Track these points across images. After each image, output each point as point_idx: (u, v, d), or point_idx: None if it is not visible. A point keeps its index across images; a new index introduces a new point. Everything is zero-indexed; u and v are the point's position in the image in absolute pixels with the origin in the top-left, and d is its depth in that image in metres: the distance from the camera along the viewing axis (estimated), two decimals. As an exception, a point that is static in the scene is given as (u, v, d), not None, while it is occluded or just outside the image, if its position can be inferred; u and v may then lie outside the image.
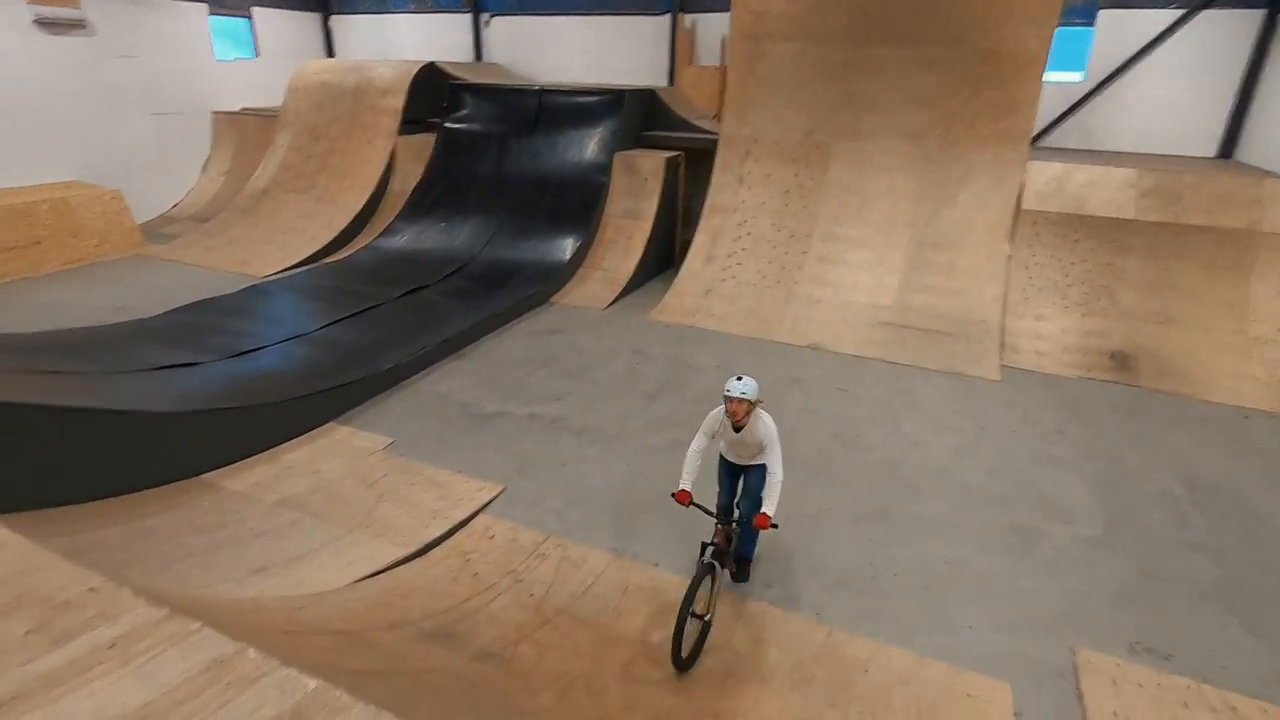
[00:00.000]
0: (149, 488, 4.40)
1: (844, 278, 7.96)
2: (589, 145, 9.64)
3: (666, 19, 12.20)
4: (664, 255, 9.52)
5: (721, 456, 3.89)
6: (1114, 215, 7.47)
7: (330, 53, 15.08)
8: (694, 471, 3.59)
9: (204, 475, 4.61)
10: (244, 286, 8.21)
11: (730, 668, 3.38)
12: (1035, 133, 9.04)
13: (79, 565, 1.82)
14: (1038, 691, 3.33)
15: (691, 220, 9.23)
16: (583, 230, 9.11)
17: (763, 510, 3.41)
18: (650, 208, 9.10)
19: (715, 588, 3.57)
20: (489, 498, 4.50)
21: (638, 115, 9.91)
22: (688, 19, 12.09)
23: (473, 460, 5.08)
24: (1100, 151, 9.86)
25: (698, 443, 3.64)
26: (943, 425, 5.83)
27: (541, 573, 3.79)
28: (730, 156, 8.93)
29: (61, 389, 4.69)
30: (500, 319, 7.65)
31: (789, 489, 5.06)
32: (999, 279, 7.54)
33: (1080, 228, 7.58)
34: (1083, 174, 7.75)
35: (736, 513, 3.77)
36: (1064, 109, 10.16)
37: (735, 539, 3.79)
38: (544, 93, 10.14)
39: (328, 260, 9.49)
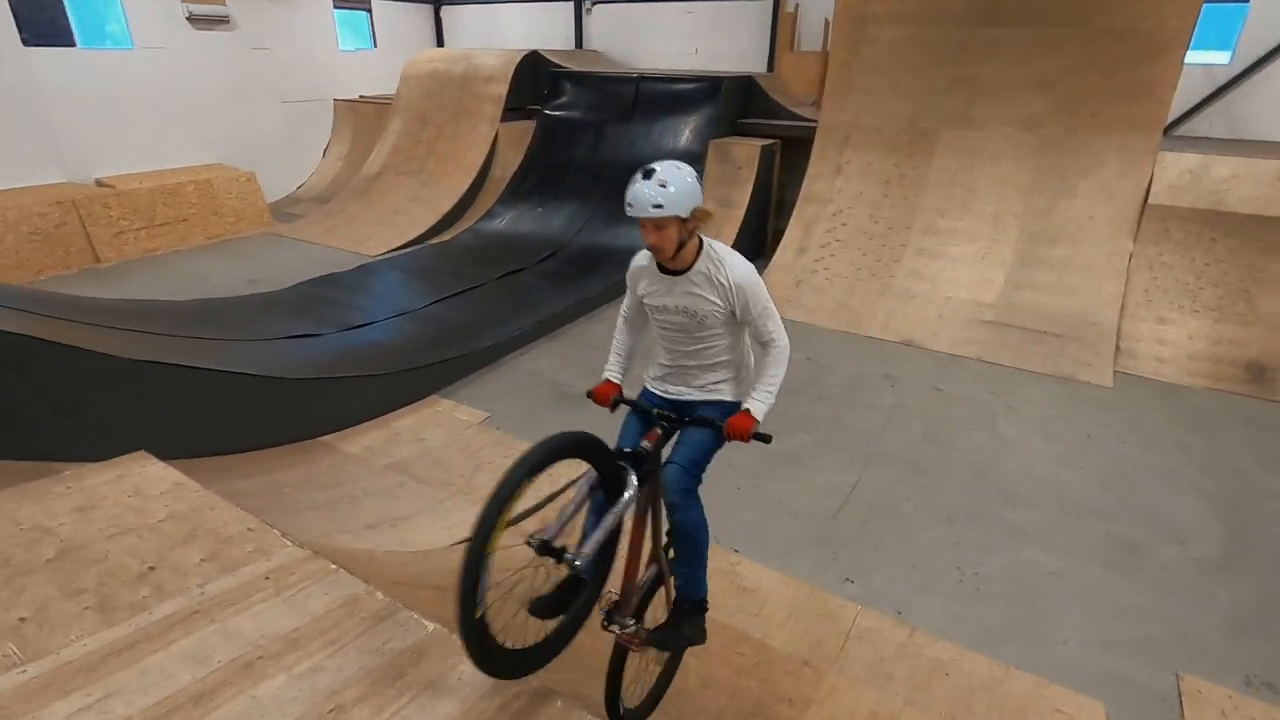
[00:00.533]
0: (277, 445, 4.88)
1: (944, 272, 7.66)
2: (684, 133, 9.67)
3: (769, 3, 11.99)
4: (755, 245, 9.45)
5: (647, 387, 2.50)
6: (1259, 212, 6.80)
7: (440, 42, 15.75)
8: (624, 354, 2.52)
9: (324, 437, 5.05)
10: (358, 265, 8.82)
11: (808, 655, 3.42)
12: (1170, 120, 8.34)
13: (238, 508, 2.10)
14: (1135, 716, 3.19)
15: (785, 210, 9.11)
16: (675, 217, 9.17)
17: (745, 406, 2.22)
18: (743, 196, 9.05)
19: (651, 531, 2.47)
20: (577, 475, 4.69)
21: (734, 102, 9.84)
22: (791, 2, 11.84)
23: (563, 438, 5.29)
24: (1247, 141, 8.95)
25: (625, 307, 2.52)
26: (1045, 431, 5.56)
27: (622, 547, 3.94)
28: (828, 145, 8.73)
29: (208, 353, 5.24)
30: (592, 303, 7.86)
31: (875, 486, 5.04)
32: (1118, 278, 7.05)
33: (1218, 225, 6.95)
34: (1224, 166, 7.08)
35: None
36: (1206, 94, 9.28)
37: (667, 491, 2.41)
38: (642, 80, 10.24)
39: (433, 241, 10.02)
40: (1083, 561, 4.16)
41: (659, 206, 2.00)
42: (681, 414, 2.36)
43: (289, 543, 1.94)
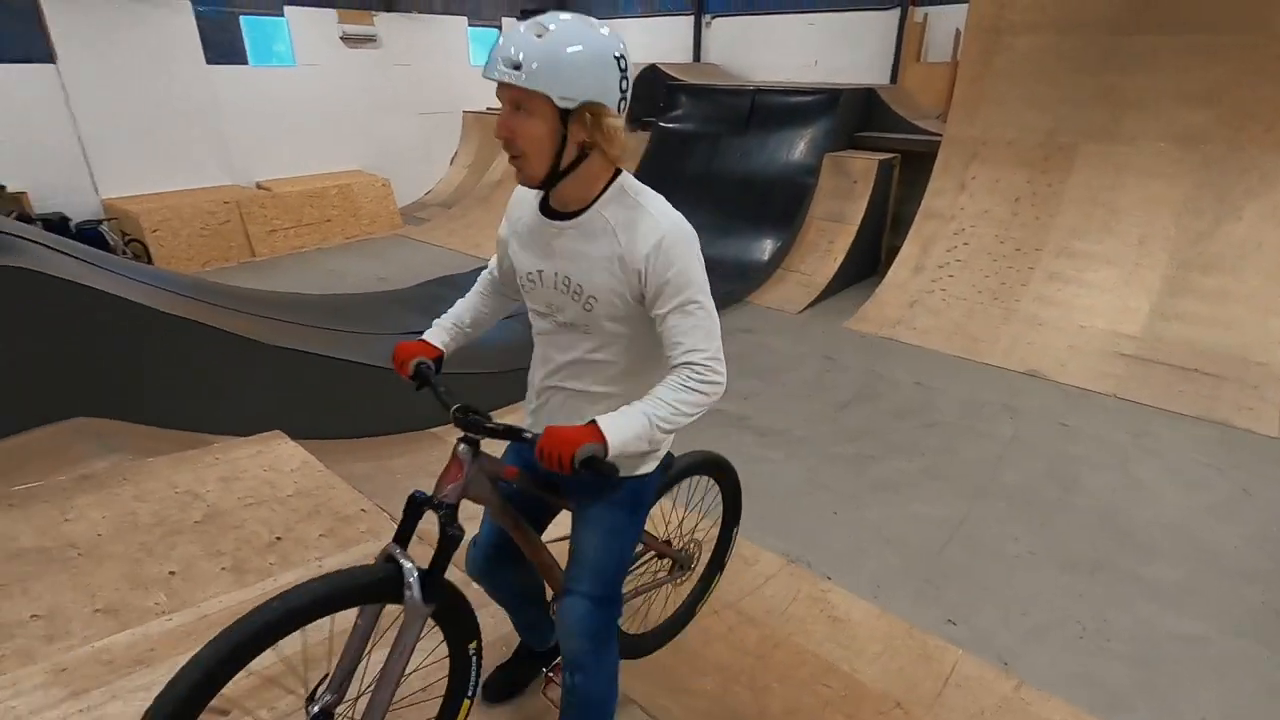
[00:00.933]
0: (390, 433, 5.23)
1: (1078, 299, 7.07)
2: (799, 145, 9.52)
3: (895, 14, 11.59)
4: (867, 262, 9.13)
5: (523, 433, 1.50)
6: None
7: (563, 56, 16.36)
8: (462, 316, 1.85)
9: (433, 429, 5.36)
10: (474, 267, 9.31)
11: (901, 696, 3.25)
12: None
13: (355, 490, 2.28)
14: (1286, 811, 2.79)
15: (901, 227, 8.75)
16: (784, 231, 9.04)
17: (593, 419, 1.35)
18: (857, 211, 8.77)
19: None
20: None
21: (853, 115, 9.57)
22: (919, 12, 11.39)
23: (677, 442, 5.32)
24: None
25: (493, 260, 1.83)
26: (1188, 479, 5.00)
27: (713, 564, 3.91)
28: (953, 159, 8.31)
29: (340, 344, 5.70)
30: (695, 314, 7.86)
31: (986, 522, 4.73)
32: (1291, 314, 6.24)
33: None
34: None
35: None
36: None
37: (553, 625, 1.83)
38: (758, 92, 10.18)
39: (545, 248, 10.40)
40: (1229, 629, 3.70)
41: (517, 68, 1.26)
42: (550, 480, 1.57)
43: (394, 525, 2.09)
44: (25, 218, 8.25)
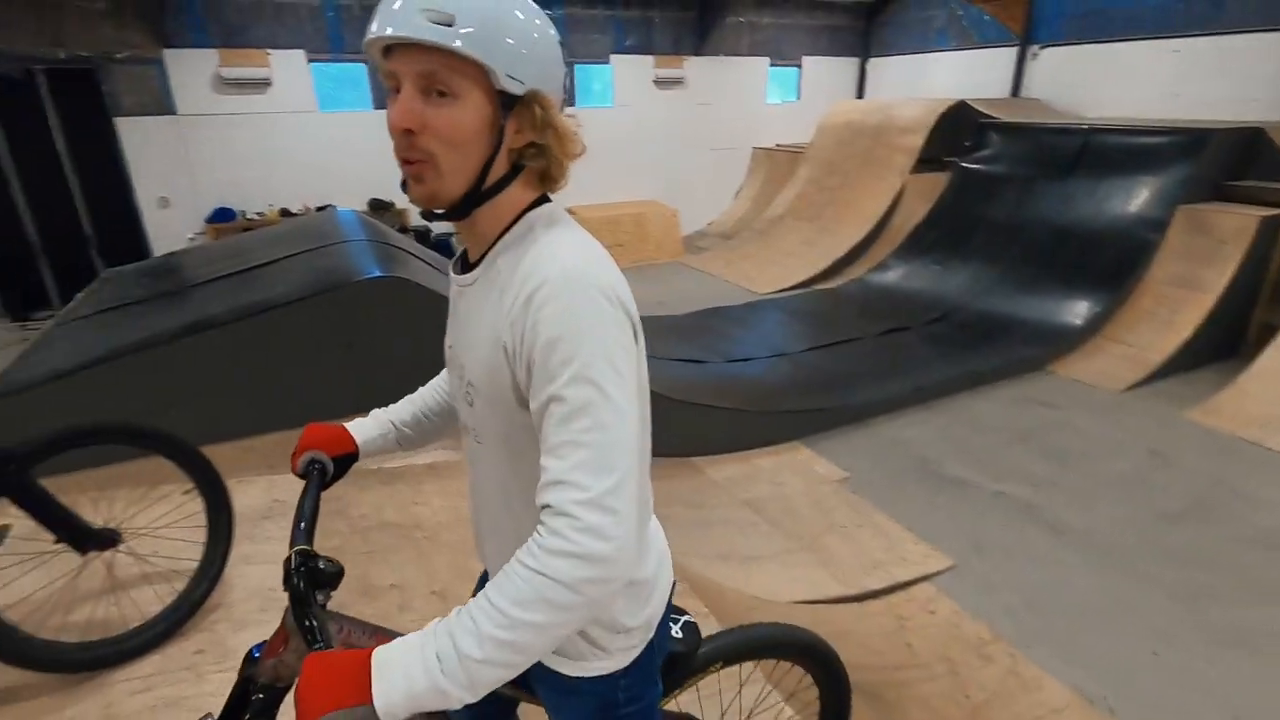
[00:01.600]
0: (652, 456, 5.51)
1: None
2: (1141, 195, 8.06)
3: (1304, 34, 9.25)
4: (1227, 340, 7.37)
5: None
6: None
7: (860, 94, 16.00)
8: (416, 407, 1.44)
9: (692, 458, 5.53)
10: (747, 301, 9.48)
11: None
12: None
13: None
14: None
15: (1286, 301, 6.90)
16: (1107, 294, 7.70)
17: (382, 653, 0.84)
18: (1220, 278, 7.12)
19: None
20: (937, 569, 4.26)
21: (1226, 160, 7.84)
22: (1345, 31, 8.94)
23: (924, 521, 4.85)
24: None
25: None
26: None
27: (984, 677, 3.42)
28: (1384, 221, 6.33)
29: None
30: (980, 377, 7.06)
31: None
32: None
33: None
34: None
35: None
36: None
37: None
38: (1093, 131, 8.85)
39: (818, 287, 10.21)
40: None
41: (448, 25, 0.88)
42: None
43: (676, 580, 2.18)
44: (403, 229, 10.41)
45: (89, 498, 2.35)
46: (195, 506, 2.44)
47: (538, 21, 0.97)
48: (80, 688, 2.14)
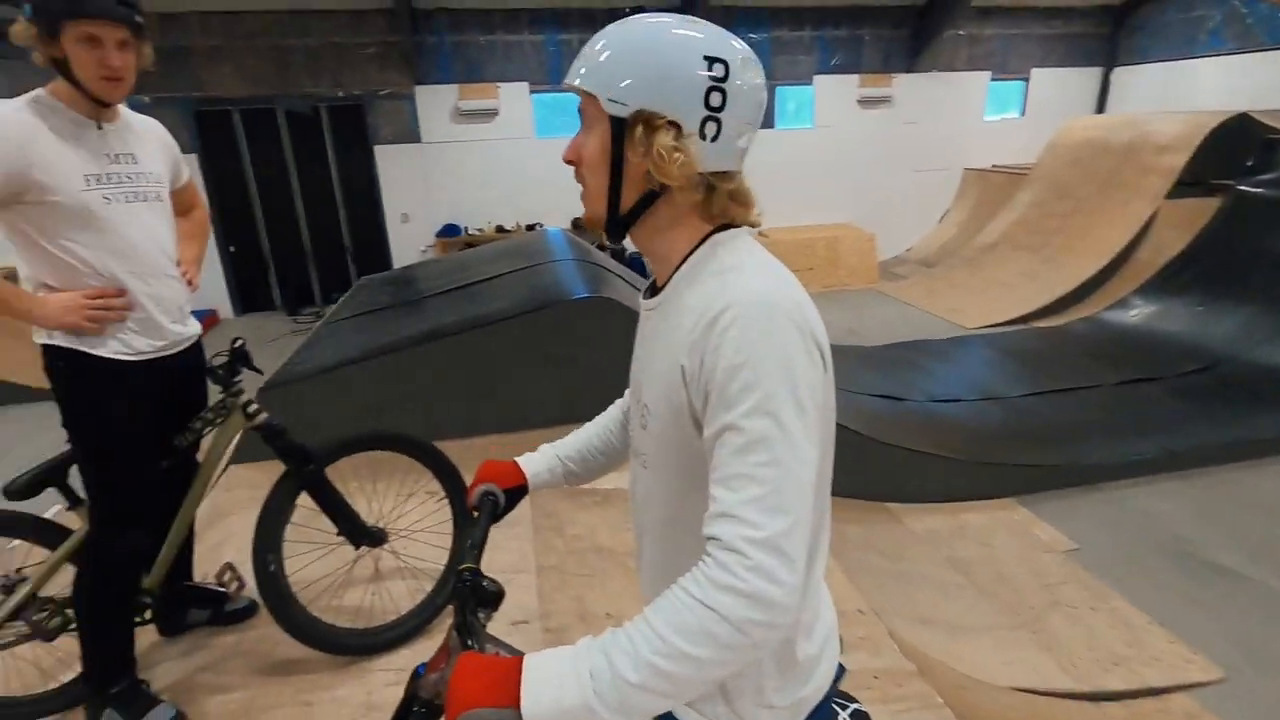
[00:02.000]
0: (844, 497, 5.18)
1: None
2: None
3: None
4: None
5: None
6: None
7: (1101, 108, 14.16)
8: (583, 443, 1.43)
9: (888, 504, 5.13)
10: (952, 335, 8.69)
11: None
12: None
13: (852, 583, 2.23)
14: None
15: None
16: None
17: (534, 660, 0.86)
18: None
19: None
20: (1200, 679, 3.52)
21: None
22: None
23: (1180, 616, 4.05)
24: None
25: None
26: None
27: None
28: None
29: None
30: (1259, 447, 5.82)
31: None
32: None
33: None
34: None
35: None
36: None
37: None
38: None
39: (1039, 324, 9.10)
40: None
41: (584, 74, 1.00)
42: None
43: (895, 648, 1.95)
44: (601, 247, 10.94)
45: (364, 495, 2.63)
46: (445, 515, 2.66)
47: (657, 44, 0.96)
48: (346, 670, 2.39)
